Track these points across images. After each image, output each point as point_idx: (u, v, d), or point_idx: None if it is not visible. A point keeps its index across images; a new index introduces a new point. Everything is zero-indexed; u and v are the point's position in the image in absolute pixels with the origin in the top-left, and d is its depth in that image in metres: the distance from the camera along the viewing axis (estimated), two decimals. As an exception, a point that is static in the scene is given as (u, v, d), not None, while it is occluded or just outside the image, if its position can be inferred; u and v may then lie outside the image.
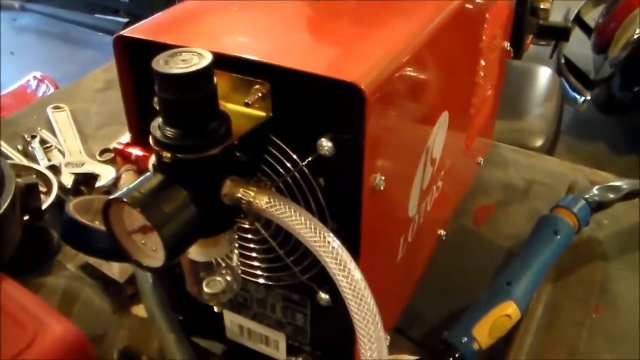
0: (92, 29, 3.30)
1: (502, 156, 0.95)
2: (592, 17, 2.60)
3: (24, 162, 0.91)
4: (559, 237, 0.67)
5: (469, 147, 0.77)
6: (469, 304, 0.63)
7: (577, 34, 2.59)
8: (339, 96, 0.41)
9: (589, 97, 2.28)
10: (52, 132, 0.99)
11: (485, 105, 0.79)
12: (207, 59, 0.40)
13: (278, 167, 0.47)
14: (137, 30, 0.48)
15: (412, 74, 0.47)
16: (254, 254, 0.54)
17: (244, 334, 0.62)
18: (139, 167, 0.54)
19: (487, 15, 0.67)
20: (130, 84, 0.51)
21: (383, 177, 0.45)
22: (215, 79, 0.41)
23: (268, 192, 0.43)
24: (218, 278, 0.52)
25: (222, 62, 0.43)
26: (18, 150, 0.95)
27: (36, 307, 0.59)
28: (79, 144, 0.94)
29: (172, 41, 0.45)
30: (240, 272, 0.54)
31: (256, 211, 0.43)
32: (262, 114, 0.45)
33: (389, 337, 0.61)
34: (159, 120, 0.42)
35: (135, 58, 0.49)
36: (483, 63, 0.71)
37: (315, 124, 0.44)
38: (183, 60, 0.40)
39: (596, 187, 0.75)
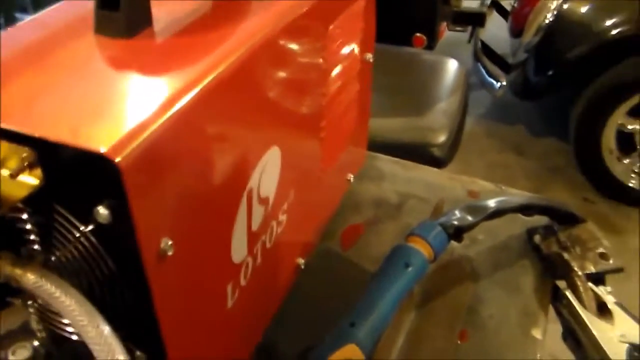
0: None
1: (378, 168, 0.93)
2: (509, 1, 2.61)
3: None
4: (410, 269, 0.65)
5: (327, 170, 0.75)
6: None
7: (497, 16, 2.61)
8: (97, 166, 0.38)
9: (504, 83, 2.30)
10: None
11: (344, 123, 0.78)
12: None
13: (66, 235, 0.44)
14: None
15: (196, 125, 0.45)
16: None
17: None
18: None
19: (326, 39, 0.64)
20: None
21: (170, 242, 0.43)
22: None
23: (38, 270, 0.41)
24: (25, 344, 0.49)
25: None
26: None
27: None
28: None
29: None
30: (46, 336, 0.51)
31: (26, 289, 0.41)
32: (34, 182, 0.42)
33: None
34: None
35: None
36: (334, 83, 0.69)
37: (90, 190, 0.41)
38: None
39: (458, 207, 0.74)
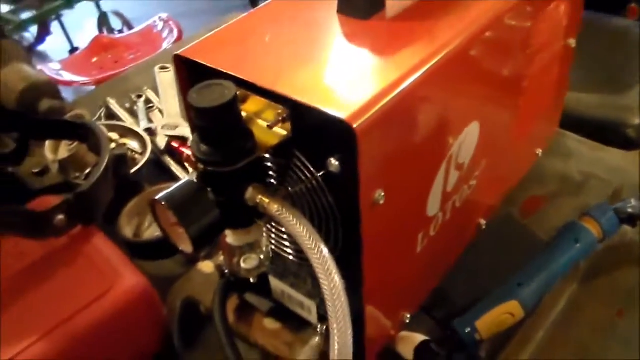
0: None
1: (566, 146, 0.97)
2: None
3: (129, 121, 1.04)
4: (579, 245, 0.71)
5: (520, 144, 0.81)
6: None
7: None
8: (337, 127, 0.48)
9: None
10: (157, 92, 1.11)
11: (540, 103, 0.83)
12: (230, 93, 0.49)
13: (301, 176, 0.56)
14: (189, 51, 0.57)
15: (416, 103, 0.54)
16: (285, 236, 0.63)
17: (285, 298, 0.72)
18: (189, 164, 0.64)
19: (536, 24, 0.70)
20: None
21: (383, 193, 0.53)
22: (239, 106, 0.50)
23: (280, 201, 0.52)
24: (253, 256, 0.62)
25: (253, 88, 0.52)
26: (126, 109, 1.08)
27: (117, 259, 0.72)
28: (177, 106, 1.06)
29: (214, 64, 0.55)
30: (270, 252, 0.64)
31: (269, 215, 0.53)
32: (284, 132, 0.53)
33: (409, 316, 0.70)
34: (196, 136, 0.52)
35: (191, 72, 0.59)
36: (535, 67, 0.75)
37: (327, 145, 0.52)
38: (213, 93, 0.49)
39: (635, 197, 0.77)
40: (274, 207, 0.52)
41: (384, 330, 0.68)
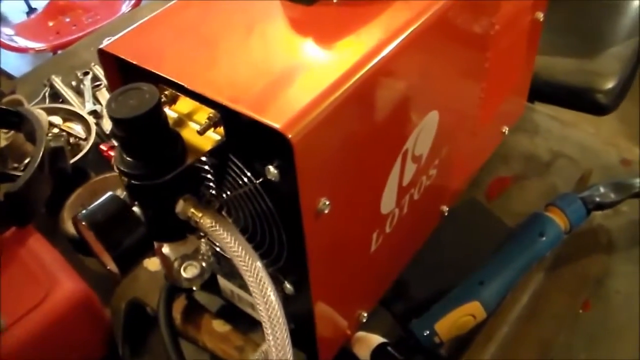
0: None
1: (534, 122, 0.93)
2: None
3: (74, 101, 0.97)
4: (544, 239, 0.67)
5: (485, 125, 0.77)
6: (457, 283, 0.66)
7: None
8: (273, 136, 0.43)
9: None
10: (106, 68, 1.04)
11: (505, 82, 0.79)
12: (152, 100, 0.43)
13: (239, 183, 0.51)
14: (115, 45, 0.52)
15: (364, 101, 0.49)
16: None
17: (235, 297, 0.68)
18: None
19: (496, 4, 0.65)
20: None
21: (328, 202, 0.48)
22: (165, 110, 0.45)
23: (213, 215, 0.48)
24: (194, 263, 0.57)
25: (182, 88, 0.47)
26: (71, 87, 1.01)
27: (53, 263, 0.67)
28: (126, 85, 0.99)
29: (139, 62, 0.49)
30: (212, 257, 0.59)
31: (202, 230, 0.48)
32: (217, 137, 0.48)
33: (366, 314, 0.66)
34: (118, 147, 0.46)
35: (120, 67, 0.53)
36: (499, 47, 0.71)
37: (264, 152, 0.47)
38: (133, 99, 0.44)
39: (603, 184, 0.73)
40: (207, 222, 0.47)
41: (338, 331, 0.64)
